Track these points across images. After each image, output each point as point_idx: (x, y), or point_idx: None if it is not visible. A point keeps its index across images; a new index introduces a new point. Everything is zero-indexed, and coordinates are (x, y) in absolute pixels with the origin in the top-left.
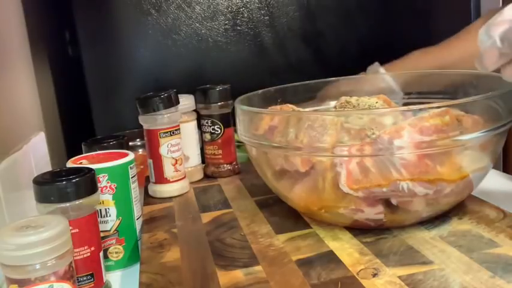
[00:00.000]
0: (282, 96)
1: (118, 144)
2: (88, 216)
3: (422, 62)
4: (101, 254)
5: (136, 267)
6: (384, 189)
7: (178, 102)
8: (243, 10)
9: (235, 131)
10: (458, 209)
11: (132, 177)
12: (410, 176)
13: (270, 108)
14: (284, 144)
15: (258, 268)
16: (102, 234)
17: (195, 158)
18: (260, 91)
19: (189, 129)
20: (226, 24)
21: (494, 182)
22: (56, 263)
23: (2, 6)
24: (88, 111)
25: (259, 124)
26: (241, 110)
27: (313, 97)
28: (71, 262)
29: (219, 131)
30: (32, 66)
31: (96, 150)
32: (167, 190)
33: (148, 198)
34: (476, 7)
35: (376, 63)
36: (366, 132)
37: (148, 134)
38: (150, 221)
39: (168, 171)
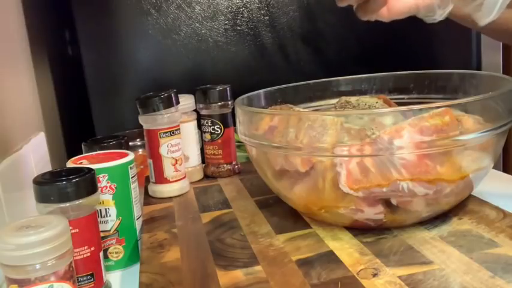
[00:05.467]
0: (282, 96)
1: (118, 144)
2: (88, 216)
3: None
4: (101, 254)
5: (136, 267)
6: (384, 189)
7: (178, 102)
8: (243, 10)
9: (235, 131)
10: (458, 209)
11: (132, 177)
12: (410, 176)
13: (270, 108)
14: (284, 144)
15: (258, 268)
16: (102, 234)
17: (195, 158)
18: (260, 91)
19: (189, 129)
20: (226, 24)
21: (494, 182)
22: (56, 263)
23: (2, 6)
24: (88, 111)
25: (259, 124)
26: (241, 110)
27: (313, 97)
28: (71, 262)
29: (219, 131)
30: (32, 66)
31: (96, 150)
32: (167, 190)
33: (148, 198)
34: None
35: None
36: (366, 132)
37: (148, 134)
38: (150, 221)
39: (168, 171)
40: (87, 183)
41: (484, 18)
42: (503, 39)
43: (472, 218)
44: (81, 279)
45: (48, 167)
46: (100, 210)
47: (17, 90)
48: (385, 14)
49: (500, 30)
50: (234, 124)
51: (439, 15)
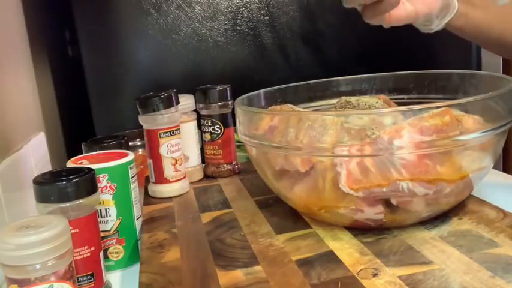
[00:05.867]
0: (282, 96)
1: (118, 144)
2: (88, 216)
3: None
4: (101, 254)
5: (136, 267)
6: (384, 189)
7: (178, 102)
8: (243, 10)
9: (235, 131)
10: (458, 209)
11: (132, 177)
12: (410, 176)
13: (270, 108)
14: (284, 144)
15: (258, 268)
16: (102, 234)
17: (195, 158)
18: (260, 91)
19: (189, 129)
20: (226, 24)
21: (494, 182)
22: (56, 263)
23: (2, 6)
24: (88, 111)
25: (259, 124)
26: (241, 110)
27: (313, 97)
28: (71, 262)
29: (219, 131)
30: (32, 66)
31: (96, 150)
32: (167, 190)
33: (148, 198)
34: None
35: None
36: (366, 132)
37: (148, 134)
38: (150, 221)
39: (168, 171)
40: (87, 183)
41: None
42: (500, 52)
43: (472, 218)
44: (81, 279)
45: (48, 167)
46: (100, 210)
47: (17, 90)
48: (386, 19)
49: (494, 39)
50: (234, 124)
51: (436, 25)
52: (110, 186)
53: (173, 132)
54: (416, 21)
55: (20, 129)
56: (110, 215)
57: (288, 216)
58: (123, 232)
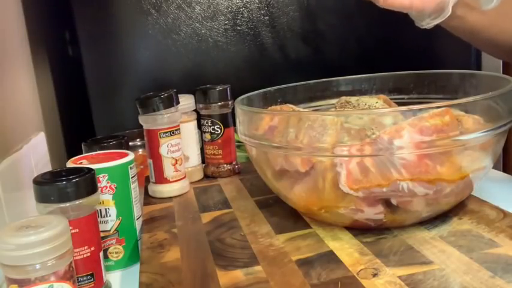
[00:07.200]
0: (282, 96)
1: (118, 144)
2: (88, 216)
3: None
4: (101, 254)
5: (136, 267)
6: (384, 189)
7: (178, 102)
8: (243, 10)
9: (235, 131)
10: (458, 209)
11: (132, 177)
12: (410, 176)
13: (270, 108)
14: (284, 144)
15: (258, 268)
16: (102, 234)
17: (195, 158)
18: (260, 91)
19: (189, 129)
20: (226, 24)
21: (494, 182)
22: (56, 263)
23: (2, 6)
24: (88, 111)
25: (259, 124)
26: (241, 110)
27: (313, 97)
28: (71, 262)
29: (219, 131)
30: (32, 66)
31: (96, 150)
32: (167, 190)
33: (148, 198)
34: None
35: None
36: (366, 132)
37: (148, 134)
38: (150, 221)
39: (168, 171)
40: (87, 183)
41: (486, 5)
42: (493, 53)
43: (472, 218)
44: (81, 279)
45: (48, 167)
46: (100, 210)
47: (17, 90)
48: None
49: (487, 41)
50: (234, 124)
51: (426, 23)
52: (110, 186)
53: (173, 132)
54: (409, 13)
55: (20, 129)
56: (110, 215)
57: (288, 216)
58: (123, 232)
